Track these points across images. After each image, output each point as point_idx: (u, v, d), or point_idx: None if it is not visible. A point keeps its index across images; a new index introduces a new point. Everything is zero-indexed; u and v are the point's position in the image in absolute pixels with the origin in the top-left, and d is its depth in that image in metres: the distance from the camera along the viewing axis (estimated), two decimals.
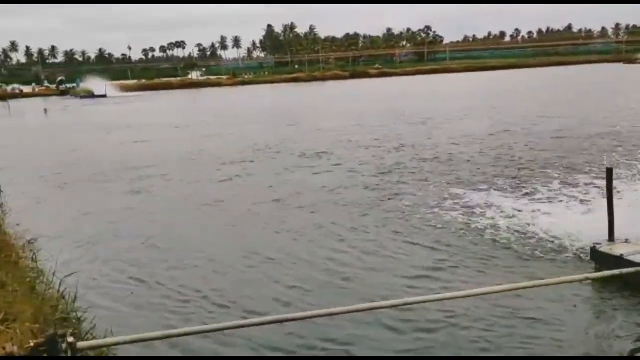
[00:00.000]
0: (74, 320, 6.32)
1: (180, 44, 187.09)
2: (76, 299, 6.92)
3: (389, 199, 13.43)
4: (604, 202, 8.96)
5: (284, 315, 6.16)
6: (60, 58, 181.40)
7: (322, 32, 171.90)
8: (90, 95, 74.10)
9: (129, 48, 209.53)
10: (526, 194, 12.96)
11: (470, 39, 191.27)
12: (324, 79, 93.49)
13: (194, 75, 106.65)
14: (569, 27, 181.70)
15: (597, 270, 8.05)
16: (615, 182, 11.10)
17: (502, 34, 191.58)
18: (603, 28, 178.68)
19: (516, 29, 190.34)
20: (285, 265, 9.47)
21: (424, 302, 6.89)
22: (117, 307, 8.08)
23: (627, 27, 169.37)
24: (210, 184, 16.24)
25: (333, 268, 9.18)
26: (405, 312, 7.13)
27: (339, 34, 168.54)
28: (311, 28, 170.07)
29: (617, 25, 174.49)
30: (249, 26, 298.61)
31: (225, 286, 8.64)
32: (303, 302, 7.91)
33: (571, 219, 10.53)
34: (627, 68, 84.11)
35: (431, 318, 7.13)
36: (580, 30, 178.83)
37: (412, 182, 15.07)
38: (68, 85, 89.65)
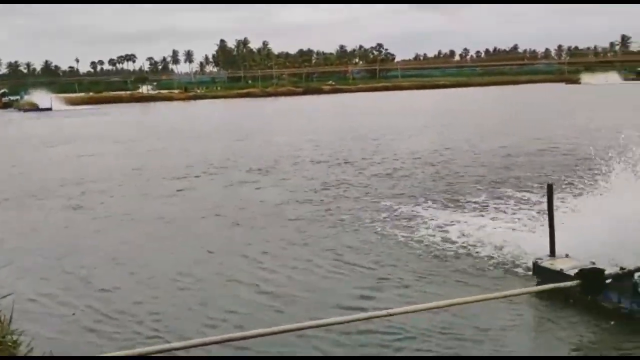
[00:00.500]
0: (9, 344, 5.95)
1: (130, 57, 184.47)
2: (12, 321, 6.51)
3: (331, 214, 13.30)
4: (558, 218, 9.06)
5: (215, 337, 5.90)
6: (3, 70, 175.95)
7: (276, 48, 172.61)
8: (35, 108, 71.80)
9: (77, 61, 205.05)
10: (470, 210, 13.03)
11: (421, 58, 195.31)
12: (277, 94, 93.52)
13: (145, 89, 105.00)
14: (515, 47, 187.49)
15: (539, 284, 8.12)
16: (558, 197, 11.44)
17: (452, 53, 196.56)
18: (547, 49, 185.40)
19: (465, 49, 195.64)
20: (220, 285, 9.13)
21: (368, 318, 6.82)
22: (56, 329, 7.67)
23: (569, 48, 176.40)
24: (153, 200, 15.80)
25: (267, 288, 8.88)
26: (345, 330, 6.98)
27: (293, 50, 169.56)
28: (265, 44, 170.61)
29: (559, 47, 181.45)
30: (201, 41, 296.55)
31: (159, 309, 8.30)
32: (236, 324, 7.65)
33: (515, 234, 10.61)
34: (569, 88, 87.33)
35: (369, 335, 7.01)
36: (525, 51, 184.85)
37: (356, 198, 15.01)
38: (11, 97, 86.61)
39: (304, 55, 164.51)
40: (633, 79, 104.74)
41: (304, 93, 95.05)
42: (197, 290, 8.96)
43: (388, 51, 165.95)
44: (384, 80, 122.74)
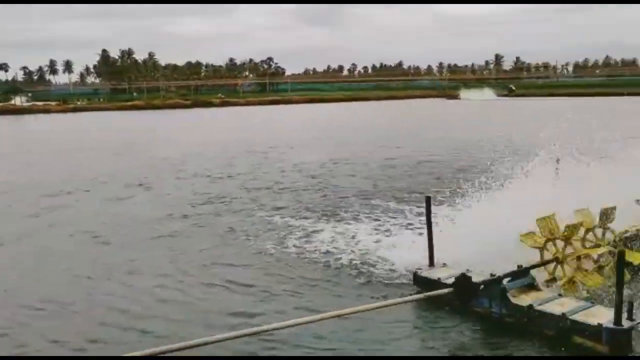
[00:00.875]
0: None
1: (2, 67, 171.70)
2: None
3: (210, 229, 12.98)
4: (434, 229, 9.24)
5: None
6: None
7: (163, 60, 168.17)
8: None
9: None
10: (354, 222, 13.14)
11: (311, 72, 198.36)
12: (164, 107, 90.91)
13: (18, 100, 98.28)
14: (400, 64, 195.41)
15: (419, 293, 8.23)
16: (438, 208, 11.78)
17: (341, 68, 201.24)
18: (429, 66, 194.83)
19: (353, 64, 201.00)
20: (82, 311, 8.48)
21: (257, 333, 6.61)
22: None
23: (449, 66, 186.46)
24: (20, 220, 14.57)
25: (135, 310, 8.39)
26: (233, 343, 6.68)
27: (181, 62, 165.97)
28: (151, 55, 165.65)
29: (440, 64, 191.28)
30: (82, 50, 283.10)
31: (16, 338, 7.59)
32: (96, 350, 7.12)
33: (398, 245, 10.77)
34: (450, 103, 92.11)
35: (256, 350, 6.83)
36: (410, 67, 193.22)
37: (238, 211, 14.75)
38: None
39: (193, 68, 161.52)
40: (505, 95, 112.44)
41: (193, 106, 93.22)
42: (57, 317, 8.25)
43: (278, 65, 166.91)
44: (274, 93, 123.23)
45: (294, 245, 11.34)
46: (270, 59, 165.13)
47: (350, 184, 18.34)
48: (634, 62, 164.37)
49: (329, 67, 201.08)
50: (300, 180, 19.53)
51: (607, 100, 74.41)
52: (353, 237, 11.67)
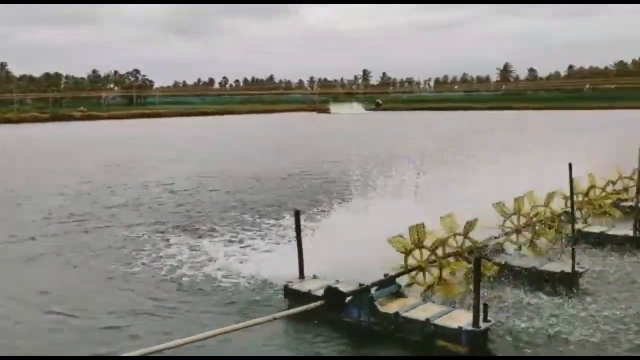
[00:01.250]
0: None
1: None
2: None
3: (60, 250, 12.12)
4: (304, 241, 9.24)
5: None
6: None
7: (17, 71, 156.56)
8: None
9: None
10: (222, 238, 12.85)
11: (181, 85, 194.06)
12: (19, 121, 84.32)
13: None
14: (271, 77, 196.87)
15: (290, 307, 8.20)
16: (309, 220, 11.87)
17: (212, 81, 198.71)
18: (300, 80, 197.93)
19: (224, 77, 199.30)
20: None
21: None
22: None
23: (319, 80, 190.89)
24: None
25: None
26: None
27: (38, 73, 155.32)
28: (3, 65, 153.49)
29: (311, 78, 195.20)
30: None
31: None
32: None
33: (269, 259, 10.69)
34: (320, 117, 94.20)
35: None
36: (281, 81, 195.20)
37: (92, 230, 13.95)
38: None
39: (51, 79, 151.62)
40: (373, 109, 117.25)
41: (51, 119, 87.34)
42: None
43: (146, 77, 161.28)
44: (141, 107, 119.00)
45: (151, 265, 10.83)
46: (137, 70, 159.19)
47: (217, 200, 18.01)
48: (487, 78, 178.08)
49: (199, 80, 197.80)
50: (164, 196, 18.88)
51: (466, 114, 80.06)
52: (219, 254, 11.38)
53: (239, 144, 40.76)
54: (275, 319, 7.28)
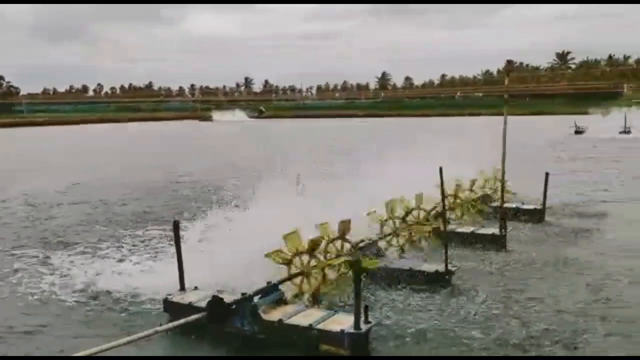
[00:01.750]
0: None
1: None
2: None
3: None
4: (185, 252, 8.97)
5: None
6: None
7: None
8: None
9: None
10: (95, 252, 12.21)
11: (51, 92, 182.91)
12: None
13: None
14: (150, 85, 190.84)
15: (171, 321, 7.92)
16: (190, 230, 11.56)
17: (85, 88, 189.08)
18: (181, 87, 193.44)
19: (99, 84, 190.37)
20: None
21: None
22: None
23: (201, 87, 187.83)
24: None
25: None
26: None
27: None
28: None
29: (192, 85, 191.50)
30: None
31: None
32: None
33: (145, 272, 10.32)
34: (203, 125, 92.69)
35: None
36: (160, 89, 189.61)
37: None
38: None
39: None
40: (256, 117, 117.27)
41: None
42: None
43: (11, 84, 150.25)
44: (6, 115, 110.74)
45: (15, 284, 10.06)
46: (0, 77, 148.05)
47: (89, 212, 17.14)
48: (367, 86, 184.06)
49: (71, 87, 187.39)
50: (27, 210, 17.64)
51: (345, 121, 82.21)
52: (92, 269, 10.79)
53: (115, 153, 39.08)
54: (156, 332, 6.99)
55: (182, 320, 7.39)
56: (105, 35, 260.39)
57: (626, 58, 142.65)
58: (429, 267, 9.79)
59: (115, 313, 8.70)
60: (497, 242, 12.09)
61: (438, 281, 9.41)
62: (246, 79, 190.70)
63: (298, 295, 8.52)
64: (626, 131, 47.87)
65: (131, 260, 11.47)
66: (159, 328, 7.19)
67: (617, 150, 35.44)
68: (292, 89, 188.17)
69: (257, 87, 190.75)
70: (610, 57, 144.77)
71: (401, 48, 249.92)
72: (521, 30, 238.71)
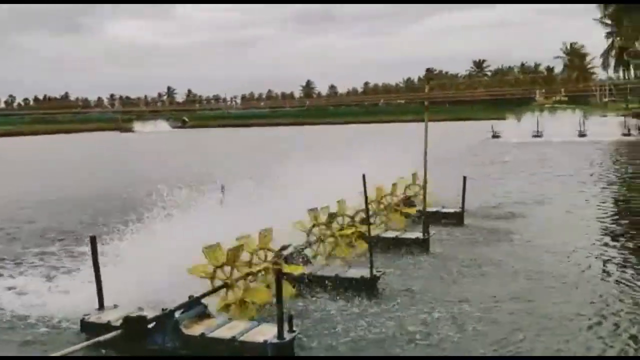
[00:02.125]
0: None
1: None
2: None
3: None
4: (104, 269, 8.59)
5: None
6: None
7: None
8: None
9: None
10: (15, 270, 11.61)
11: None
12: None
13: None
14: (66, 95, 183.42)
15: (88, 340, 7.56)
16: (108, 245, 11.10)
17: None
18: (99, 98, 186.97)
19: (11, 95, 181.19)
20: None
21: None
22: None
23: (121, 98, 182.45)
24: None
25: None
26: None
27: None
28: None
29: (112, 95, 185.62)
30: None
31: None
32: None
33: (61, 292, 9.82)
34: (124, 136, 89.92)
35: None
36: (77, 99, 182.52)
37: None
38: None
39: None
40: (179, 127, 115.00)
41: None
42: None
43: None
44: None
45: None
46: None
47: (13, 227, 16.25)
48: (291, 95, 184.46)
49: None
50: None
51: (269, 130, 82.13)
52: (15, 287, 10.26)
53: (26, 167, 37.28)
54: (69, 355, 6.62)
55: (95, 339, 7.07)
56: (19, 46, 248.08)
57: (537, 65, 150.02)
58: (355, 272, 9.82)
59: (23, 335, 8.20)
60: (421, 246, 12.33)
61: (364, 287, 9.44)
62: (169, 88, 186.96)
63: (223, 308, 8.34)
64: (538, 135, 50.36)
65: (48, 279, 10.89)
66: (72, 348, 6.84)
67: (529, 153, 37.16)
68: (217, 98, 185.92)
69: (180, 96, 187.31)
70: (522, 64, 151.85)
71: (325, 57, 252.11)
72: (440, 38, 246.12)
